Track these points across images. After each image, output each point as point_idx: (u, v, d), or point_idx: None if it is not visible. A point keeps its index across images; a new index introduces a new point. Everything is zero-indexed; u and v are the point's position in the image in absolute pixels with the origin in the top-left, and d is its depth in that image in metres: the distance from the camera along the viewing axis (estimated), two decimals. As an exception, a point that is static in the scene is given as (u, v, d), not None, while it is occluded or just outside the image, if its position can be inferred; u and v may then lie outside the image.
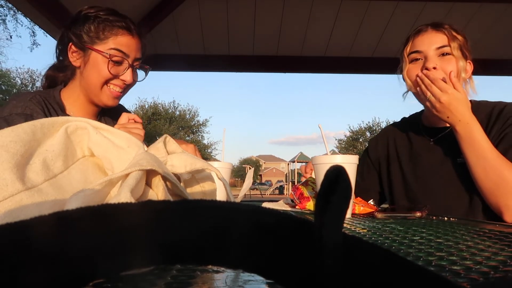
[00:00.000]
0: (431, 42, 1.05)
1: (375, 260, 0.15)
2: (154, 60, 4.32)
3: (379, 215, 0.82)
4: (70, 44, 1.03)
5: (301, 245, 0.15)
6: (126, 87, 1.09)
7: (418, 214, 0.81)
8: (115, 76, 1.04)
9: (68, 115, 1.03)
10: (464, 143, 0.96)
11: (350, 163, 0.87)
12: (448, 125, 1.09)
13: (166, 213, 0.16)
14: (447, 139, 1.10)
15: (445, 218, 0.81)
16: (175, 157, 0.44)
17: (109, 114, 1.17)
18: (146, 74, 1.15)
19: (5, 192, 0.30)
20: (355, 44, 4.10)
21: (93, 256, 0.15)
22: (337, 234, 0.15)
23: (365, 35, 3.95)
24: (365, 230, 0.61)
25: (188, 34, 3.91)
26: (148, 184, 0.38)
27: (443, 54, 1.04)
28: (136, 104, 27.40)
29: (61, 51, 1.07)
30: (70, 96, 1.06)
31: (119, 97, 1.08)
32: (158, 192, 0.37)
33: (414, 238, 0.52)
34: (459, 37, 1.05)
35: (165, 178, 0.37)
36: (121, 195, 0.31)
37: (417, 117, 1.23)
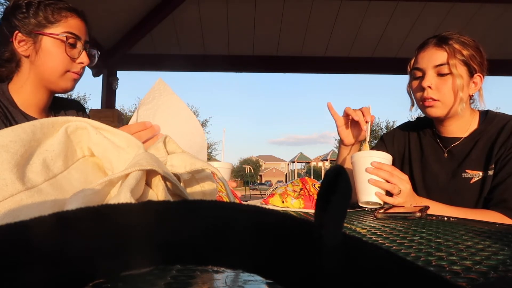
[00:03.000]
0: (430, 60, 1.04)
1: (375, 260, 0.15)
2: (154, 60, 4.33)
3: (379, 215, 0.82)
4: (16, 33, 0.97)
5: (301, 245, 0.15)
6: (83, 71, 1.07)
7: (418, 214, 0.81)
8: (72, 60, 1.02)
9: (20, 110, 1.00)
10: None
11: (385, 158, 0.96)
12: (461, 135, 1.09)
13: (166, 213, 0.16)
14: (458, 150, 1.09)
15: (445, 218, 0.81)
16: (175, 157, 0.44)
17: (60, 108, 1.14)
18: (96, 59, 1.13)
19: (5, 192, 0.30)
20: (355, 44, 4.10)
21: (93, 257, 0.15)
22: (337, 234, 0.15)
23: (365, 35, 3.95)
24: (365, 230, 0.61)
25: (188, 34, 3.91)
26: (148, 184, 0.38)
27: (440, 74, 1.03)
28: (135, 105, 27.38)
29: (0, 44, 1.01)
30: (19, 89, 1.02)
31: (77, 80, 1.06)
32: (158, 192, 0.37)
33: (414, 238, 0.53)
34: (466, 51, 1.02)
35: (165, 178, 0.37)
36: (121, 195, 0.31)
37: (431, 122, 1.20)
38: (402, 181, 0.93)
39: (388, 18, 3.74)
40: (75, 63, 1.03)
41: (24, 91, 1.01)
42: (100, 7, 2.98)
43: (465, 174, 1.05)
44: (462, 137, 1.10)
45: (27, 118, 0.99)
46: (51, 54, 0.99)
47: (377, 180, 0.94)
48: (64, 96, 1.22)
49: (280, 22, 3.79)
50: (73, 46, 1.02)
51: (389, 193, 0.96)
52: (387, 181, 0.94)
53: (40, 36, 0.98)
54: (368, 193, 0.95)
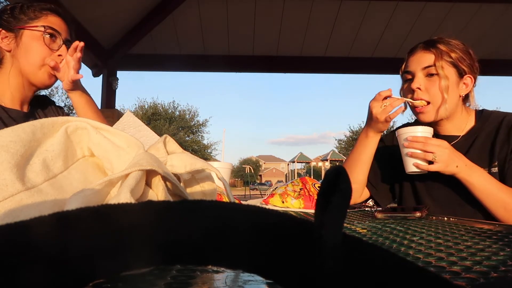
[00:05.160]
0: (419, 62, 1.07)
1: (374, 260, 0.15)
2: (154, 60, 4.33)
3: (379, 215, 0.82)
4: (0, 30, 1.04)
5: (301, 245, 0.15)
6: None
7: (418, 214, 0.81)
8: (52, 51, 1.07)
9: (1, 105, 1.04)
10: (470, 186, 0.97)
11: (422, 132, 1.02)
12: (459, 134, 1.10)
13: (166, 213, 0.16)
14: (456, 149, 1.10)
15: (445, 218, 0.81)
16: (175, 157, 0.44)
17: (39, 106, 1.19)
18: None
19: (5, 192, 0.30)
20: (355, 44, 4.10)
21: (93, 257, 0.15)
22: (337, 234, 0.15)
23: (365, 35, 3.95)
24: (365, 230, 0.62)
25: (188, 34, 3.91)
26: (148, 184, 0.38)
27: (429, 75, 1.05)
28: (135, 105, 27.35)
29: None
30: (1, 85, 1.06)
31: (54, 77, 1.10)
32: (158, 192, 0.37)
33: (414, 238, 0.53)
34: (454, 53, 1.04)
35: (165, 178, 0.37)
36: (121, 195, 0.31)
37: (429, 122, 1.19)
38: (438, 147, 0.96)
39: (388, 18, 3.74)
40: (54, 55, 1.07)
41: (7, 91, 1.06)
42: (100, 7, 2.97)
43: None
44: (459, 136, 1.10)
45: (6, 111, 1.03)
46: (30, 45, 1.05)
47: (413, 152, 0.99)
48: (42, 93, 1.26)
49: (280, 22, 3.78)
50: (52, 37, 1.07)
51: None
52: (425, 151, 0.98)
53: (21, 30, 1.04)
54: (408, 165, 1.03)
